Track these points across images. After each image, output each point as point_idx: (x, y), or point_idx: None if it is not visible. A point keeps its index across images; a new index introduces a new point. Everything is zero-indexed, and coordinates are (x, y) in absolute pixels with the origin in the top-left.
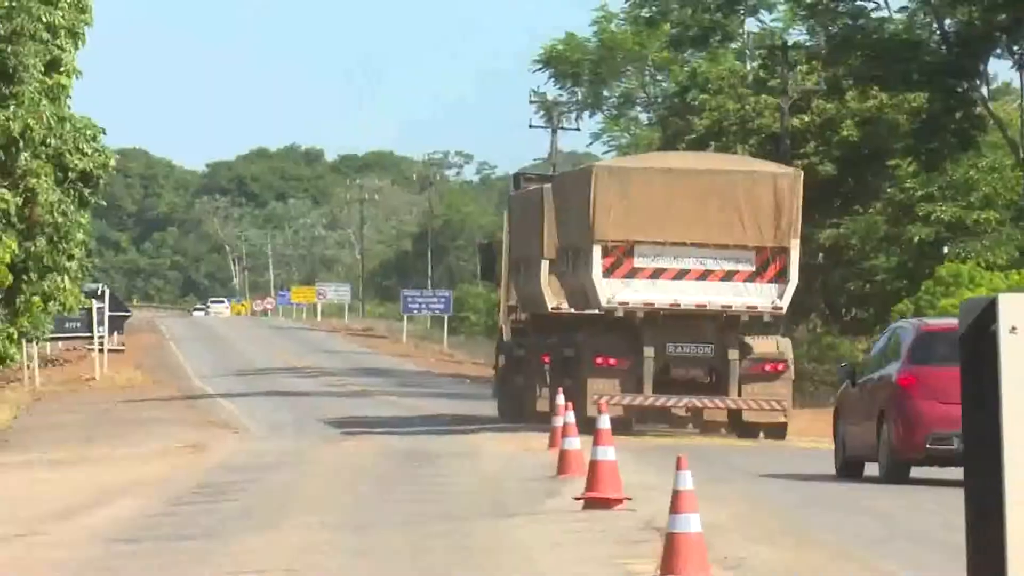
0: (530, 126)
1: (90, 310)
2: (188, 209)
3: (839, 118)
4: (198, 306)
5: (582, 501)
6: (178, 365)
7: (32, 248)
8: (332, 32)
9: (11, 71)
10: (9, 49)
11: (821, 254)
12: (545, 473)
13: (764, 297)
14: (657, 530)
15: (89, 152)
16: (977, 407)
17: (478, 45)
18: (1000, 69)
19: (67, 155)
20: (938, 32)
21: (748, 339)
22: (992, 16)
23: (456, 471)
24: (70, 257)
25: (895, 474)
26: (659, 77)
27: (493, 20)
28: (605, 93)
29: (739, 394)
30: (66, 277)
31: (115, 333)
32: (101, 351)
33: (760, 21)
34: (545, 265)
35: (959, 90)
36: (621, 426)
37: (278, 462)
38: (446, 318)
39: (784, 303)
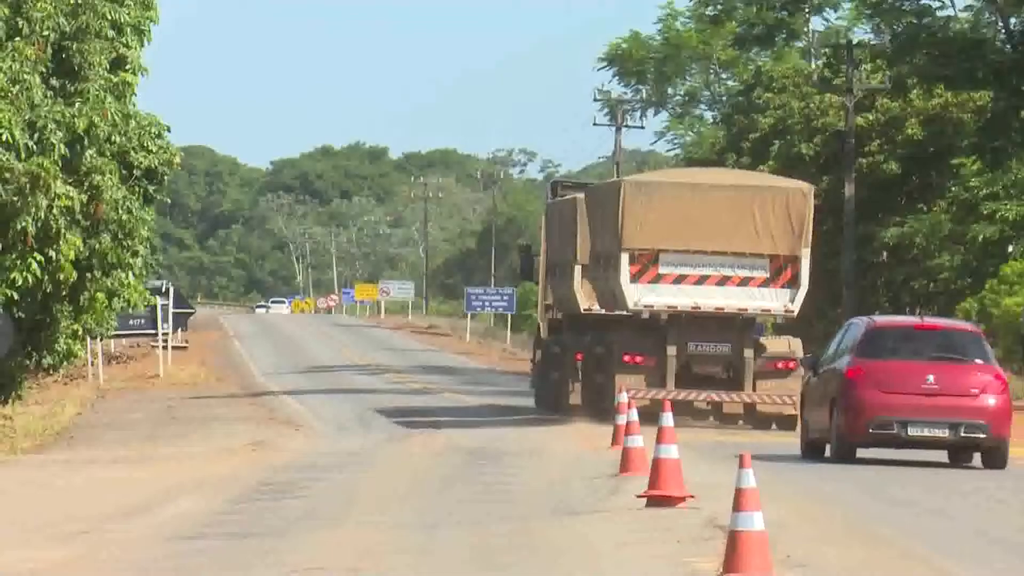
0: (594, 124)
1: (154, 307)
2: (252, 206)
3: (903, 116)
4: (260, 303)
5: (645, 499)
6: (242, 362)
7: (97, 245)
8: (397, 30)
9: (76, 68)
10: (74, 47)
11: (885, 252)
12: (608, 471)
13: (777, 301)
14: (720, 528)
15: (154, 149)
16: None
17: (544, 42)
18: None
19: (132, 152)
20: (1003, 31)
21: (763, 339)
22: None
23: (520, 469)
24: (134, 254)
25: (843, 455)
26: (724, 75)
27: (560, 17)
28: (669, 91)
29: (753, 389)
30: (130, 274)
31: (179, 330)
32: (165, 348)
33: (825, 19)
34: (578, 269)
35: None
36: (647, 418)
37: (342, 460)
38: (509, 316)
39: (796, 306)
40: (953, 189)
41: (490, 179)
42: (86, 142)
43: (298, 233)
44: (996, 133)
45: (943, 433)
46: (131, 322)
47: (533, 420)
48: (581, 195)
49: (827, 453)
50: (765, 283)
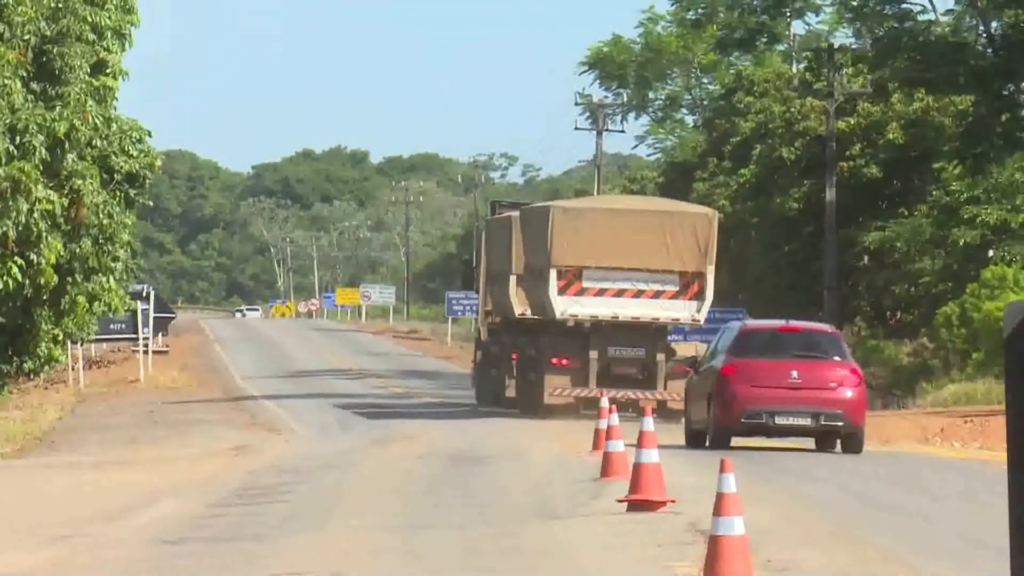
0: (575, 128)
1: (135, 311)
2: (233, 211)
3: (885, 121)
4: (239, 308)
5: (626, 503)
6: (223, 367)
7: (77, 249)
8: (378, 35)
9: (57, 72)
10: (55, 51)
11: (866, 256)
12: (590, 475)
13: (686, 312)
14: (702, 533)
15: (135, 154)
16: (1022, 407)
17: (524, 46)
18: None
19: (113, 156)
20: (984, 35)
21: (673, 344)
22: None
23: (501, 473)
24: (115, 258)
25: (719, 442)
26: (705, 79)
27: (540, 21)
28: (650, 95)
29: (665, 388)
30: (111, 278)
31: (160, 334)
32: (146, 352)
33: (806, 23)
34: (513, 279)
35: (1005, 93)
36: (571, 412)
37: (324, 464)
38: None
39: (702, 316)
40: (934, 193)
41: (471, 183)
42: (67, 146)
43: (279, 237)
44: (977, 137)
45: (805, 422)
46: (112, 326)
47: (515, 424)
48: (516, 213)
49: (707, 442)
50: (675, 296)
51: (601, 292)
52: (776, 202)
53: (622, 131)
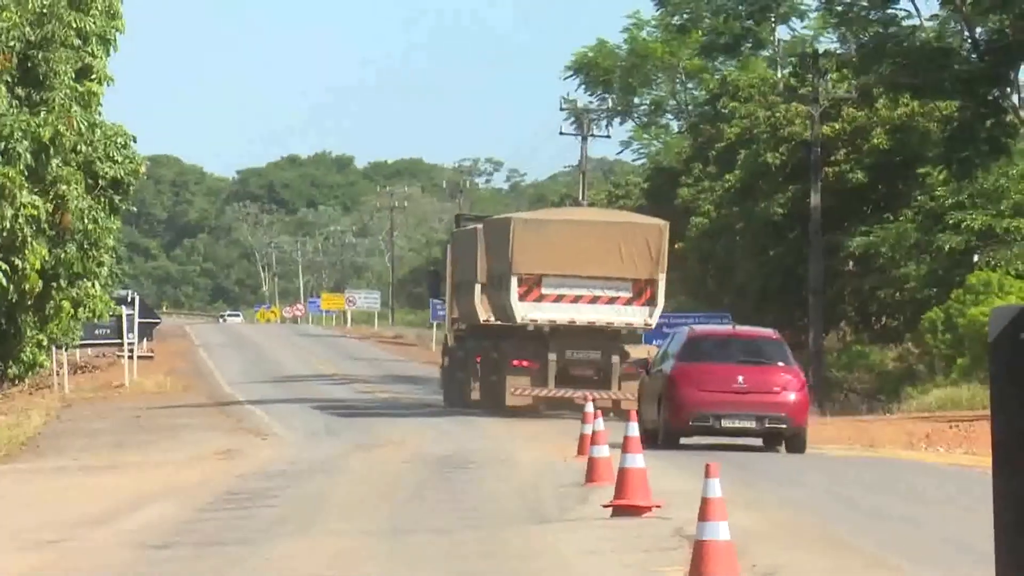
0: (560, 133)
1: (120, 317)
2: (218, 216)
3: (870, 126)
4: (223, 313)
5: (612, 508)
6: (208, 372)
7: (62, 255)
8: (364, 40)
9: (42, 77)
10: (40, 55)
11: (851, 262)
12: (575, 480)
13: (639, 317)
14: (687, 537)
15: (120, 159)
16: (1007, 414)
17: (509, 52)
18: None
19: (98, 162)
20: (969, 40)
21: (627, 347)
22: None
23: (488, 478)
24: (100, 264)
25: (669, 442)
26: (690, 85)
27: (525, 27)
28: (636, 100)
29: (619, 388)
30: (96, 283)
31: (145, 340)
32: (131, 358)
33: (791, 28)
34: (478, 287)
35: (990, 98)
36: (531, 411)
37: (311, 469)
38: None
39: (653, 321)
40: (919, 199)
41: (456, 188)
42: (52, 151)
43: (264, 242)
44: (962, 143)
45: (751, 424)
46: (97, 332)
47: (501, 429)
48: (480, 226)
49: (658, 441)
50: (628, 302)
51: (559, 298)
52: (761, 207)
53: (607, 136)
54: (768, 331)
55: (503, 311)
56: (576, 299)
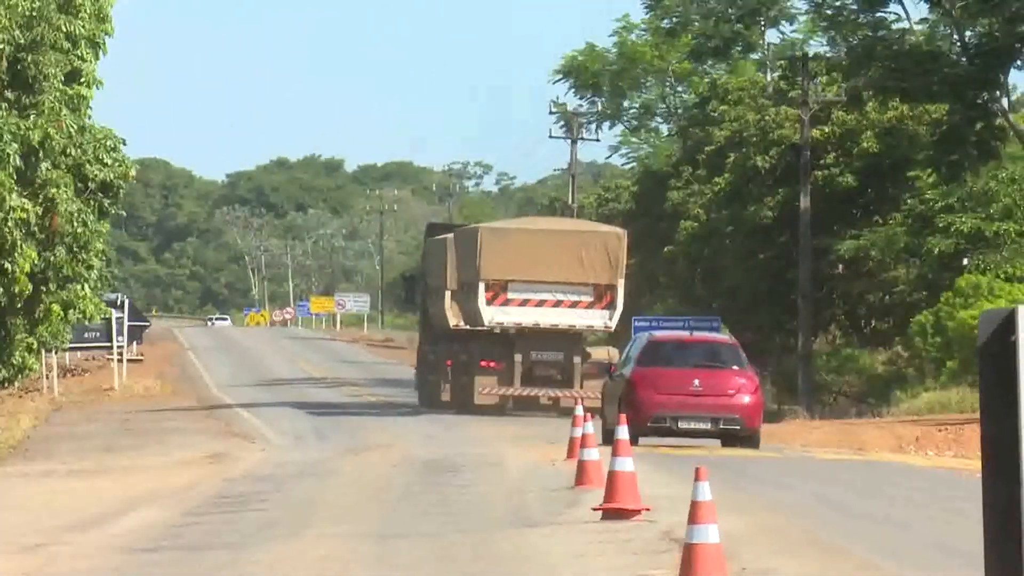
0: (550, 136)
1: (109, 320)
2: (208, 219)
3: (859, 129)
4: (210, 316)
5: (601, 512)
6: (198, 375)
7: (52, 258)
8: (352, 42)
9: (31, 81)
10: (29, 59)
11: (840, 265)
12: (565, 483)
13: (599, 320)
14: (677, 541)
15: (109, 162)
16: (996, 416)
17: (499, 54)
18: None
19: (87, 165)
20: (959, 43)
21: (589, 348)
22: (1013, 27)
23: (477, 481)
24: (89, 267)
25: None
26: (679, 88)
27: (515, 29)
28: (625, 104)
29: (581, 387)
30: (86, 286)
31: (134, 343)
32: (120, 361)
33: (781, 32)
34: (448, 294)
35: (979, 101)
36: (498, 410)
37: (300, 472)
38: None
39: (613, 323)
40: (909, 202)
41: (446, 192)
42: (41, 155)
43: (254, 246)
44: (952, 146)
45: (706, 425)
46: (86, 335)
47: (490, 432)
48: (451, 235)
49: None
50: (590, 306)
51: (524, 303)
52: (750, 211)
53: (597, 140)
54: (724, 336)
55: (472, 315)
56: (540, 303)
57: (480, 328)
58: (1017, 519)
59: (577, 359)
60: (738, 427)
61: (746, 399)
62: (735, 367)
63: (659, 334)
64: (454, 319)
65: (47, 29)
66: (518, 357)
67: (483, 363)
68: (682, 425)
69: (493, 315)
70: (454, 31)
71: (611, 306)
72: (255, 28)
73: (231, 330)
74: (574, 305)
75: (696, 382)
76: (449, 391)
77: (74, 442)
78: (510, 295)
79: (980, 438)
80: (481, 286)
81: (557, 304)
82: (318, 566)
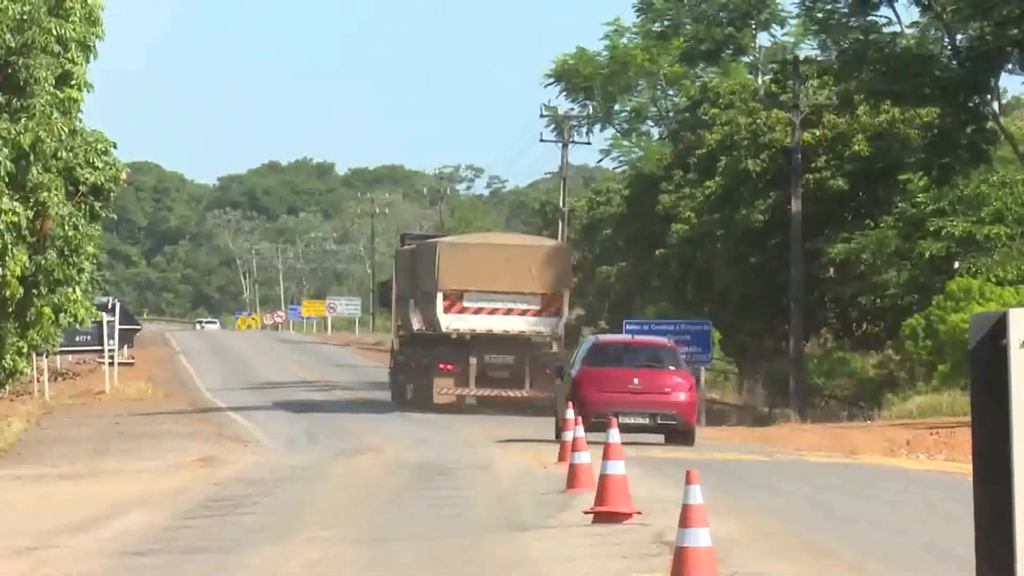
0: (541, 140)
1: (100, 323)
2: (199, 223)
3: (850, 132)
4: (199, 319)
5: (592, 515)
6: (189, 378)
7: (43, 261)
8: (343, 46)
9: (22, 84)
10: (20, 62)
11: (832, 268)
12: (556, 487)
13: (546, 326)
14: (668, 544)
15: (100, 166)
16: (987, 420)
17: (490, 58)
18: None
19: (78, 169)
20: (949, 47)
21: (537, 352)
22: (1004, 31)
23: (468, 484)
24: (80, 270)
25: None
26: (670, 91)
27: (506, 33)
28: (616, 107)
29: (531, 387)
30: (77, 290)
31: (125, 346)
32: (111, 364)
33: (772, 35)
34: (413, 301)
35: (971, 105)
36: (455, 408)
37: (291, 476)
38: None
39: (560, 329)
40: (900, 205)
41: (437, 195)
42: (32, 158)
43: (245, 249)
44: (943, 149)
45: (645, 421)
46: (77, 338)
47: (481, 436)
48: (416, 247)
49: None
50: (537, 313)
51: (479, 311)
52: (742, 214)
53: (588, 143)
54: (663, 340)
55: (431, 322)
56: (493, 311)
57: (439, 334)
58: (1008, 522)
59: (527, 361)
60: (674, 422)
61: (681, 396)
62: (672, 367)
63: (603, 338)
64: (418, 324)
65: (38, 32)
66: (473, 360)
67: (441, 366)
68: (622, 420)
69: (450, 322)
70: (445, 35)
71: (557, 313)
72: (246, 31)
73: (222, 334)
74: (523, 313)
75: (635, 381)
76: (412, 390)
77: (65, 446)
78: (465, 304)
79: (971, 441)
80: (439, 296)
81: (508, 312)
82: (307, 570)
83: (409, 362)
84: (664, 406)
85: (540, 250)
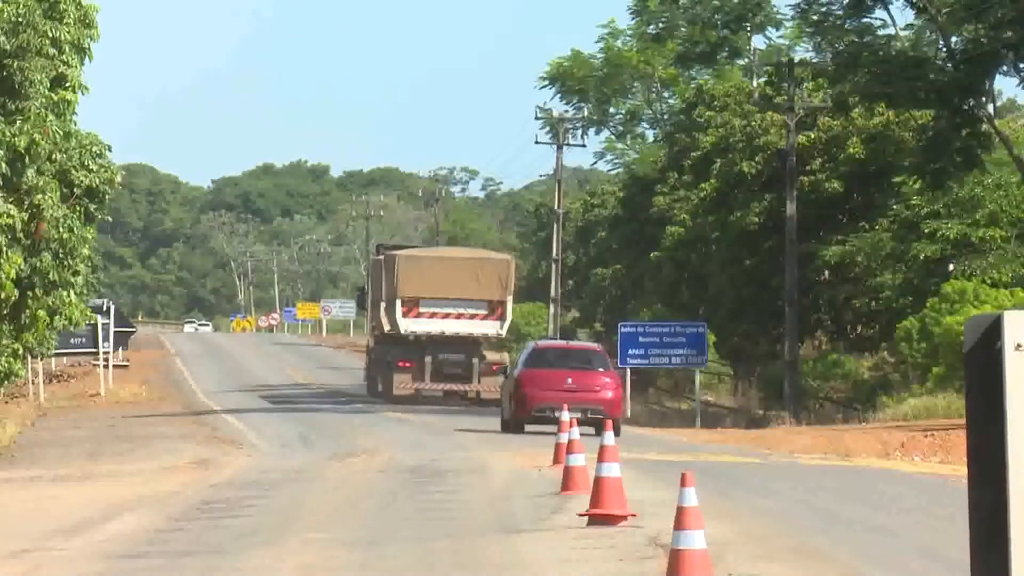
0: (536, 142)
1: (95, 326)
2: (194, 225)
3: (845, 135)
4: (187, 320)
5: (587, 517)
6: (183, 381)
7: (37, 264)
8: (338, 47)
9: (17, 86)
10: (15, 64)
11: (827, 271)
12: (550, 489)
13: (492, 328)
14: (662, 546)
15: (95, 168)
16: (982, 423)
17: (485, 61)
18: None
19: (73, 171)
20: (944, 49)
21: (485, 352)
22: (999, 34)
23: (462, 487)
24: (75, 273)
25: (516, 428)
26: (665, 94)
27: (502, 35)
28: (611, 110)
29: (479, 383)
30: (71, 292)
31: (120, 349)
32: (106, 367)
33: (767, 38)
34: (383, 305)
35: (965, 107)
36: (411, 400)
37: (285, 478)
38: None
39: (503, 331)
40: (895, 208)
41: (432, 197)
42: (27, 160)
43: (240, 251)
44: (937, 152)
45: (577, 415)
46: (72, 341)
47: (475, 439)
48: (382, 257)
49: (511, 428)
50: (484, 317)
51: (433, 315)
52: (736, 217)
53: (583, 145)
54: (594, 345)
55: (393, 325)
56: (445, 315)
57: (398, 334)
58: (1003, 526)
59: (475, 360)
60: (602, 416)
61: (609, 394)
62: (601, 369)
63: (542, 343)
64: (387, 326)
65: (32, 35)
66: (428, 358)
67: (400, 363)
68: (558, 414)
69: (408, 325)
70: (440, 37)
71: (502, 318)
72: (240, 33)
73: (217, 336)
74: (472, 317)
75: (569, 380)
76: (380, 384)
77: (60, 448)
78: (421, 309)
79: (966, 444)
80: (398, 302)
81: (459, 316)
82: (302, 573)
83: (378, 359)
84: (594, 402)
85: (488, 262)
